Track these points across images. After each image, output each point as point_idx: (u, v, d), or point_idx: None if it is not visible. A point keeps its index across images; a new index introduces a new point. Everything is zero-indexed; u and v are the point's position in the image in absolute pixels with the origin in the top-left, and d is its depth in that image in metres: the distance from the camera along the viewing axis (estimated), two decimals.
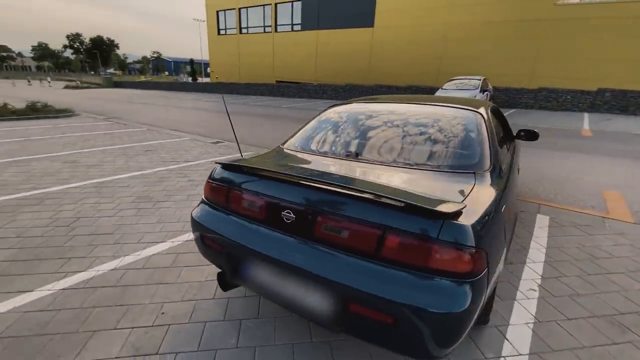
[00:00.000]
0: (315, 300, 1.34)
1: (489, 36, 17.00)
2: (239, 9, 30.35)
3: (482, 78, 12.58)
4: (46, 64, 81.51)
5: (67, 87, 35.81)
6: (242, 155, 2.11)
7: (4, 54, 78.03)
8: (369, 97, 2.91)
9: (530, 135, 3.10)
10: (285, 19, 27.38)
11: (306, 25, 25.98)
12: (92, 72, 65.97)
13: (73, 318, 1.87)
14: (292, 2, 26.57)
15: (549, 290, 2.26)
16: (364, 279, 1.22)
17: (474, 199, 1.39)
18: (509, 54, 16.55)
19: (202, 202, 1.86)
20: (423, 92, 16.57)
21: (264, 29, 29.22)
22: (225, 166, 1.74)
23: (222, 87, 28.41)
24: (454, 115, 2.08)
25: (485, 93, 12.43)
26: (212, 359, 1.62)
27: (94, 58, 73.72)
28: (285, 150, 2.16)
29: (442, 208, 1.16)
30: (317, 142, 2.15)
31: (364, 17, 21.80)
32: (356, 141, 2.05)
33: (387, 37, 20.98)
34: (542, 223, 3.37)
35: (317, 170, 1.72)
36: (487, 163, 1.73)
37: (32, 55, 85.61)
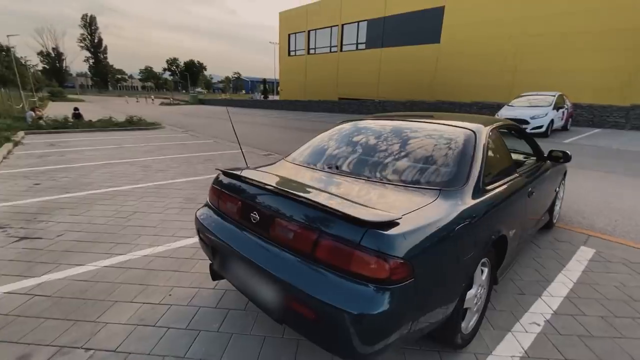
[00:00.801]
0: (267, 293, 1.51)
1: (570, 48, 15.24)
2: (308, 31, 32.31)
3: (558, 94, 11.30)
4: (149, 84, 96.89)
5: (162, 103, 41.91)
6: (247, 165, 2.39)
7: (119, 76, 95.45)
8: (378, 114, 3.00)
9: (561, 157, 2.84)
10: (351, 39, 28.28)
11: (370, 44, 26.46)
12: (184, 91, 76.05)
13: (104, 290, 2.32)
14: (358, 22, 27.39)
15: (556, 327, 2.04)
16: (299, 276, 1.36)
17: (420, 214, 1.43)
18: (595, 66, 14.56)
19: (205, 203, 2.18)
20: (490, 108, 15.44)
21: (330, 49, 30.54)
22: (224, 173, 2.03)
23: (288, 104, 30.27)
24: (440, 133, 2.08)
25: (561, 111, 11.13)
26: (194, 338, 1.88)
27: (186, 79, 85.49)
28: (284, 162, 2.39)
29: (369, 217, 1.25)
30: (309, 156, 2.33)
31: (429, 33, 21.41)
32: (340, 156, 2.19)
33: (454, 52, 20.21)
34: (582, 256, 2.99)
35: (290, 180, 1.90)
36: (458, 181, 1.71)
37: (139, 77, 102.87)
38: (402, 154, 2.00)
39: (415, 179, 1.79)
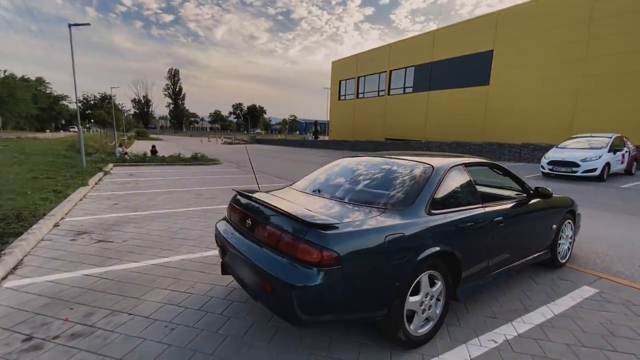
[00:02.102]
0: (249, 276, 2.06)
1: (633, 88, 14.20)
2: (358, 77, 34.42)
3: (615, 135, 10.56)
4: (216, 125, 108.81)
5: (225, 142, 46.59)
6: (259, 188, 3.05)
7: (192, 119, 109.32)
8: (370, 152, 3.51)
9: (541, 194, 3.08)
10: (398, 83, 29.46)
11: (418, 87, 27.26)
12: (245, 132, 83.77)
13: (148, 279, 3.05)
14: (406, 68, 28.62)
15: (513, 346, 2.21)
16: (268, 262, 1.90)
17: (358, 223, 1.91)
18: None
19: (223, 217, 2.86)
20: (541, 150, 14.70)
21: (378, 93, 31.97)
22: (238, 193, 2.71)
23: (335, 144, 31.70)
24: (406, 167, 2.56)
25: (620, 153, 10.33)
26: (203, 317, 2.45)
27: (247, 121, 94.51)
28: (287, 188, 3.01)
29: (312, 220, 1.78)
30: (304, 181, 2.93)
31: (478, 76, 21.59)
32: (324, 183, 2.75)
33: (505, 94, 19.97)
34: (579, 294, 3.00)
35: (278, 198, 2.49)
36: (404, 204, 2.16)
37: (209, 119, 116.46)
38: (368, 181, 2.51)
39: (371, 200, 2.27)
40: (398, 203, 2.19)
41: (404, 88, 28.96)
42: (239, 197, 2.62)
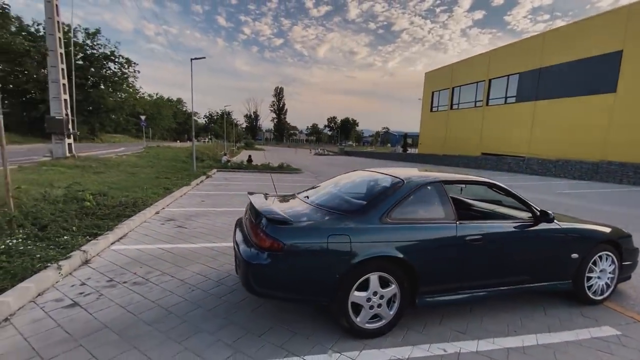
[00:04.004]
0: (239, 261, 2.70)
1: None
2: (452, 87, 32.48)
3: None
4: (312, 138, 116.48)
5: (316, 154, 49.62)
6: (277, 193, 3.72)
7: (292, 131, 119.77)
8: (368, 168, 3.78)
9: (539, 215, 2.93)
10: (498, 93, 26.71)
11: (522, 97, 24.22)
12: (338, 144, 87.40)
13: (197, 256, 4.04)
14: (508, 76, 25.80)
15: (461, 359, 2.28)
16: (244, 246, 2.52)
17: (308, 222, 2.38)
18: None
19: None
20: None
21: (475, 104, 29.52)
22: (248, 194, 3.43)
23: (422, 157, 30.47)
24: (383, 180, 2.85)
25: None
26: (216, 287, 3.23)
27: (340, 133, 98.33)
28: (293, 194, 3.56)
29: (270, 216, 2.35)
30: (303, 191, 3.46)
31: (600, 82, 18.05)
32: (317, 190, 3.23)
33: (637, 103, 16.20)
34: (590, 332, 2.71)
35: (272, 201, 3.07)
36: (361, 211, 2.51)
37: (306, 132, 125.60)
38: (347, 192, 2.90)
39: (338, 207, 2.67)
40: (356, 210, 2.55)
41: (506, 98, 26.06)
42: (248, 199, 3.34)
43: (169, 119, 66.00)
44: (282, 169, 17.80)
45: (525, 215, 3.14)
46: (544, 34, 22.52)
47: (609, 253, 3.21)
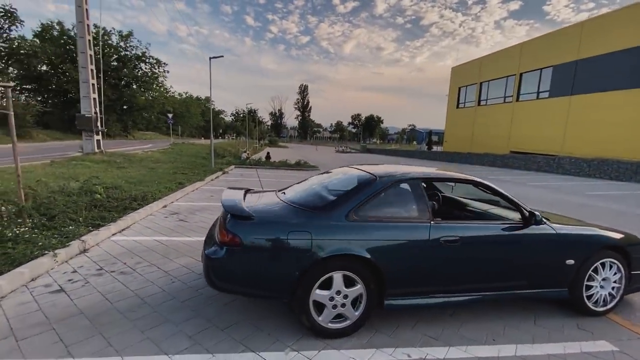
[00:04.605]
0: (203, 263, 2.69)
1: None
2: (480, 83, 31.08)
3: None
4: (335, 135, 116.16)
5: (337, 151, 49.39)
6: (262, 188, 3.72)
7: (315, 129, 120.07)
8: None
9: (527, 217, 2.72)
10: (530, 88, 25.25)
11: (556, 91, 22.72)
12: (362, 142, 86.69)
13: (186, 249, 4.13)
14: (541, 69, 24.29)
15: None
16: (209, 239, 2.53)
17: (270, 218, 2.35)
18: None
19: None
20: None
21: (504, 99, 28.10)
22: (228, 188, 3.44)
23: (446, 156, 29.49)
24: (358, 177, 2.76)
25: None
26: (198, 279, 3.28)
27: (364, 131, 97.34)
28: (274, 191, 3.50)
29: (233, 212, 2.34)
30: (287, 187, 3.41)
31: None
32: (295, 187, 3.17)
33: None
34: (581, 346, 2.48)
35: (245, 196, 3.03)
36: (328, 208, 2.44)
37: (330, 130, 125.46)
38: (321, 189, 2.83)
39: (307, 204, 2.60)
40: (322, 207, 2.48)
41: (538, 93, 24.58)
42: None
43: (197, 117, 68.41)
44: (300, 166, 17.88)
45: (517, 216, 2.92)
46: (582, 23, 20.95)
47: (614, 260, 2.91)
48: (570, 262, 2.78)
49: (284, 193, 3.11)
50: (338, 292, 2.36)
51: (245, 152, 21.57)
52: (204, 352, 2.17)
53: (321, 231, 2.33)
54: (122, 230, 4.81)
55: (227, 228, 2.31)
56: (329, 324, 2.38)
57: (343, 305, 2.38)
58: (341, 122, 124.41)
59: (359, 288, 2.39)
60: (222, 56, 14.37)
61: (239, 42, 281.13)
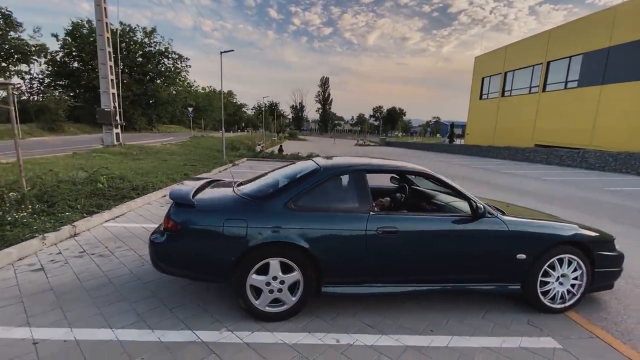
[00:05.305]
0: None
1: None
2: (505, 72, 29.68)
3: None
4: (357, 128, 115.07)
5: (356, 144, 49.06)
6: (233, 179, 3.84)
7: (336, 122, 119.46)
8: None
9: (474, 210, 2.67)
10: (558, 77, 23.84)
11: (585, 81, 21.34)
12: (382, 135, 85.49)
13: None
14: (570, 57, 22.83)
15: (350, 350, 2.23)
16: (154, 232, 2.69)
17: (209, 207, 2.47)
18: None
19: None
20: None
21: (530, 90, 26.73)
22: (193, 178, 3.60)
23: (466, 149, 28.59)
24: (307, 167, 2.82)
25: None
26: None
27: (386, 123, 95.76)
28: (234, 182, 3.60)
29: (177, 200, 2.48)
30: (250, 179, 3.52)
31: None
32: (253, 179, 3.27)
33: None
34: (521, 342, 2.45)
35: (208, 189, 3.15)
36: (267, 197, 2.54)
37: (351, 122, 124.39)
38: (278, 179, 2.91)
39: (253, 194, 2.69)
40: (263, 197, 2.57)
41: (566, 82, 23.17)
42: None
43: (219, 111, 69.99)
44: (310, 158, 18.01)
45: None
46: (615, 7, 19.42)
47: (573, 257, 2.81)
48: (522, 256, 2.71)
49: (241, 184, 3.22)
50: (275, 278, 2.46)
51: (260, 145, 21.95)
52: (145, 328, 2.35)
53: (257, 219, 2.43)
54: (116, 217, 5.14)
55: (169, 215, 2.46)
56: (267, 308, 2.49)
57: (280, 290, 2.48)
58: (363, 115, 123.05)
59: (295, 275, 2.48)
60: (232, 50, 14.69)
61: (262, 36, 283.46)
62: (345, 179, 2.69)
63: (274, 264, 2.45)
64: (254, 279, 2.45)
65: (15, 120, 4.57)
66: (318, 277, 2.53)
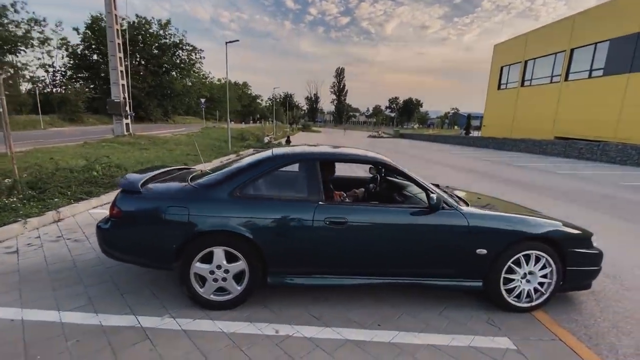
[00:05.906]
0: None
1: None
2: (525, 61, 28.34)
3: None
4: (372, 119, 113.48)
5: (369, 136, 48.37)
6: (202, 162, 3.84)
7: (351, 113, 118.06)
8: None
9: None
10: (582, 65, 22.56)
11: (612, 69, 20.09)
12: (396, 126, 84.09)
13: None
14: (596, 44, 21.49)
15: (286, 341, 2.20)
16: (102, 222, 2.69)
17: (154, 194, 2.47)
18: None
19: None
20: None
21: (551, 79, 25.44)
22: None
23: (480, 141, 27.70)
24: (264, 155, 2.76)
25: None
26: None
27: (402, 114, 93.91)
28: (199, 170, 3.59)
29: (123, 187, 2.49)
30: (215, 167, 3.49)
31: None
32: (219, 167, 3.23)
33: None
34: (473, 341, 2.34)
35: (168, 177, 3.14)
36: (215, 185, 2.51)
37: (366, 114, 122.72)
38: (233, 167, 2.85)
39: (206, 181, 2.64)
40: (209, 185, 2.54)
41: (590, 71, 21.88)
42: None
43: (234, 102, 70.64)
44: None
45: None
46: None
47: (541, 253, 2.63)
48: (482, 251, 2.57)
49: (201, 171, 3.21)
50: (219, 267, 2.44)
51: (269, 136, 22.04)
52: (90, 312, 2.40)
53: (199, 207, 2.40)
54: (104, 204, 5.27)
55: (115, 201, 2.47)
56: (212, 296, 2.48)
57: (224, 279, 2.46)
58: (379, 106, 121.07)
59: (240, 264, 2.45)
60: (237, 40, 14.64)
61: (278, 26, 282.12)
62: (295, 168, 2.62)
63: (218, 252, 2.42)
64: (198, 267, 2.43)
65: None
66: (264, 267, 2.49)
